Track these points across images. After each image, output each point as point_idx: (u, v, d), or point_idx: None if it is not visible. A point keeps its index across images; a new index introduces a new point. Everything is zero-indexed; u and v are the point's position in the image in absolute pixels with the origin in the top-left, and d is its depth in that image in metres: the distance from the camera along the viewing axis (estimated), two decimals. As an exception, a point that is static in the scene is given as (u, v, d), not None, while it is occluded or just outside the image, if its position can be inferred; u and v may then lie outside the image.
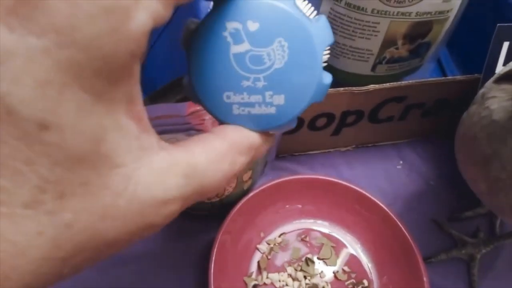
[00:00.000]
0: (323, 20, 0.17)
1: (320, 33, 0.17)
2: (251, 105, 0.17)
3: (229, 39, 0.16)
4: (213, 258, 0.36)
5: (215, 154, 0.16)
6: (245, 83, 0.17)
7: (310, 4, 0.17)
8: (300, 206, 0.43)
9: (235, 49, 0.16)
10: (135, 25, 0.12)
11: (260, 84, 0.17)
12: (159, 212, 0.14)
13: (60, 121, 0.11)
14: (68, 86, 0.11)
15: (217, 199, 0.39)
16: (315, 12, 0.17)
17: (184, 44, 0.17)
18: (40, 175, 0.11)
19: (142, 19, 0.12)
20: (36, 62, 0.11)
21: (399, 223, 0.39)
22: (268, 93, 0.17)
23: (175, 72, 0.41)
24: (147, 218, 0.14)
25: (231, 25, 0.16)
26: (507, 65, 0.36)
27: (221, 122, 0.18)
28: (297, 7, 0.16)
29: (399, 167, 0.49)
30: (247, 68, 0.17)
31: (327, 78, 0.17)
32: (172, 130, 0.34)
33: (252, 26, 0.16)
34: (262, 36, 0.16)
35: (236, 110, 0.18)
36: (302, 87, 0.17)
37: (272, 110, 0.17)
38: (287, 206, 0.43)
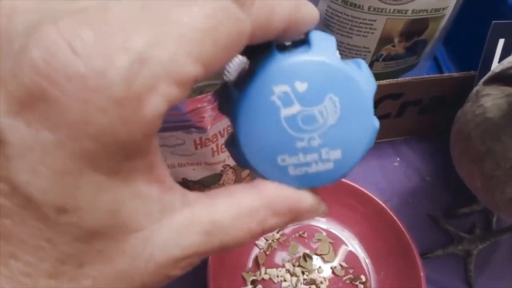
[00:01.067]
0: (364, 65, 0.17)
1: (366, 80, 0.16)
2: (308, 164, 0.16)
3: (278, 103, 0.15)
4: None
5: (244, 209, 0.16)
6: (300, 144, 0.16)
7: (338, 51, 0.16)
8: (297, 202, 0.43)
9: (286, 112, 0.16)
10: (148, 111, 0.12)
11: (316, 142, 0.16)
12: (176, 266, 0.15)
13: (77, 204, 0.12)
14: (84, 172, 0.12)
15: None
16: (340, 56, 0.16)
17: (223, 109, 0.16)
18: (60, 250, 0.12)
19: (155, 104, 0.12)
20: (51, 154, 0.11)
21: (396, 219, 0.40)
22: (324, 150, 0.16)
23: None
24: (164, 274, 0.15)
25: (279, 89, 0.15)
26: (497, 65, 0.36)
27: None
28: (339, 58, 0.16)
29: (396, 164, 0.50)
30: (300, 129, 0.16)
31: (376, 122, 0.17)
32: (171, 128, 0.34)
33: (301, 86, 0.15)
34: (312, 95, 0.16)
35: (292, 172, 0.17)
36: (357, 137, 0.16)
37: (330, 165, 0.17)
38: (285, 202, 0.43)
